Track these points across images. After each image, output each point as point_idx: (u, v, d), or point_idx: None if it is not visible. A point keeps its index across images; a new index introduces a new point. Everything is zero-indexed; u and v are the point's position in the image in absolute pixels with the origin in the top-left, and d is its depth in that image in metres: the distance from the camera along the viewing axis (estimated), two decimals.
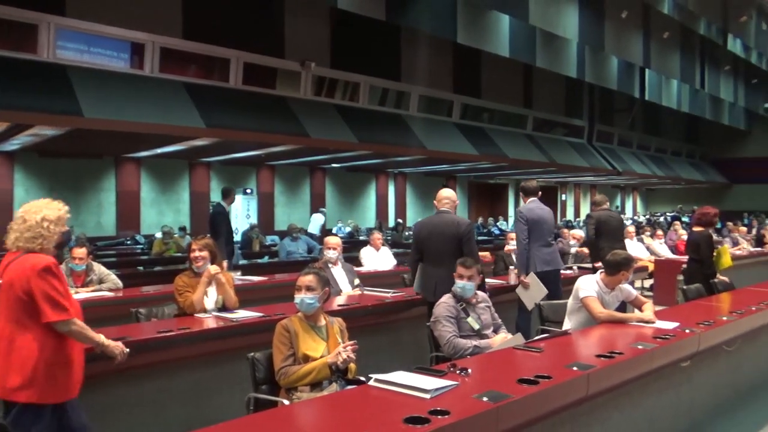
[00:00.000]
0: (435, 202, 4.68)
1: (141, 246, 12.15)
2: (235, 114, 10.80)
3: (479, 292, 3.89)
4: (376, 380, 2.53)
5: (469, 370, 2.66)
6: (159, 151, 12.97)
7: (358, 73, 13.01)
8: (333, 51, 13.22)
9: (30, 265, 2.53)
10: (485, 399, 2.30)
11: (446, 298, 3.76)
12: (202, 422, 2.51)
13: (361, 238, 14.22)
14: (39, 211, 2.65)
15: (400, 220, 18.43)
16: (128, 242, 12.91)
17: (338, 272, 5.30)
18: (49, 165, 12.97)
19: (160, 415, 3.42)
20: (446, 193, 4.68)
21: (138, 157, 14.14)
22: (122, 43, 10.11)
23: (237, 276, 4.53)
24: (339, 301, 4.71)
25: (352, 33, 12.92)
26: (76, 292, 4.82)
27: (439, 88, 15.18)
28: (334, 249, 5.32)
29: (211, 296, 4.06)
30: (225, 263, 4.52)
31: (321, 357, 2.96)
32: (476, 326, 3.67)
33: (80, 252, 5.00)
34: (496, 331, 3.78)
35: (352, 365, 3.01)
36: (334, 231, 15.68)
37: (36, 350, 2.49)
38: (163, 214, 14.63)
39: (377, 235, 7.68)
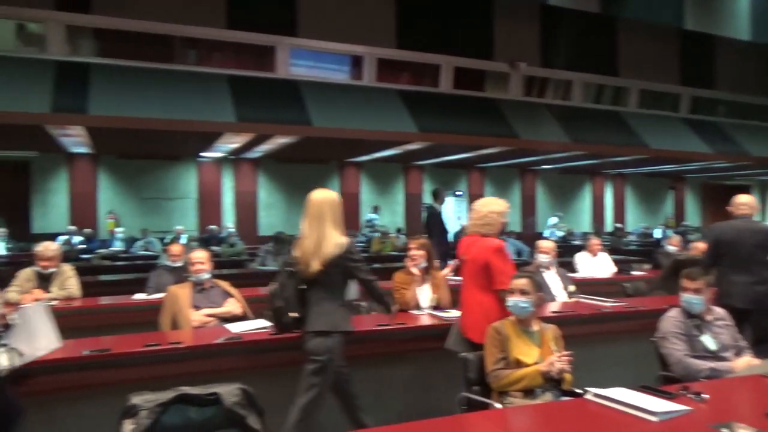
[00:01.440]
0: (730, 207, 4.60)
1: (360, 244, 13.06)
2: (445, 118, 11.08)
3: (716, 309, 3.45)
4: (595, 395, 2.39)
5: (705, 396, 2.38)
6: (377, 155, 13.84)
7: (570, 70, 12.47)
8: (543, 49, 12.84)
9: (486, 246, 3.38)
10: (725, 431, 2.03)
11: (674, 312, 3.40)
12: (417, 414, 2.61)
13: (575, 242, 13.56)
14: (488, 205, 3.50)
15: (619, 225, 17.20)
16: None
17: (551, 277, 5.12)
18: (285, 169, 14.64)
19: (379, 401, 3.63)
20: (744, 199, 4.60)
21: (358, 162, 15.26)
22: (343, 57, 11.05)
23: (449, 276, 4.63)
24: (552, 307, 4.55)
25: (564, 29, 12.42)
26: None
27: (663, 80, 13.83)
28: (547, 253, 5.16)
29: (426, 294, 4.21)
30: (438, 263, 4.64)
31: (534, 363, 2.89)
32: (712, 347, 3.26)
33: None
34: (738, 355, 3.31)
35: (567, 376, 2.88)
36: (545, 234, 15.23)
37: (495, 306, 3.29)
38: (380, 214, 15.58)
39: (595, 241, 7.24)
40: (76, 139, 10.63)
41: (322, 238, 3.10)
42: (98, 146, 11.71)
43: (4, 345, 2.61)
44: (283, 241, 8.21)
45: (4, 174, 12.70)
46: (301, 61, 10.80)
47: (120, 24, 9.43)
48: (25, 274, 4.80)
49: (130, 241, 11.93)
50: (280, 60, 10.48)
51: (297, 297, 3.11)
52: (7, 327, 2.73)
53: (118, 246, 11.53)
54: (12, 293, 4.60)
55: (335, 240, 3.10)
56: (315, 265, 3.07)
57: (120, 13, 9.31)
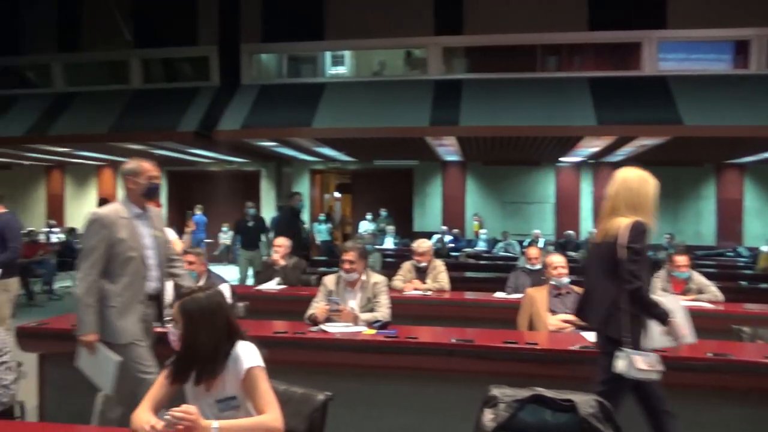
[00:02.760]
0: None
1: (744, 259, 11.23)
2: None
3: None
4: None
5: None
6: (767, 155, 11.72)
7: None
8: None
9: None
10: None
11: None
12: None
13: None
14: None
15: None
16: (729, 254, 12.15)
17: None
18: (651, 173, 13.55)
19: None
20: None
21: (741, 163, 13.15)
22: (724, 45, 9.66)
23: None
24: None
25: None
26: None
27: None
28: None
29: None
30: None
31: None
32: None
33: (682, 260, 4.96)
34: None
35: None
36: None
37: None
38: None
39: None
40: (449, 149, 11.86)
41: None
42: (467, 154, 12.84)
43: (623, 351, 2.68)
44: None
45: (393, 180, 15.04)
46: (671, 55, 9.86)
47: (488, 40, 10.17)
48: (407, 266, 5.57)
49: (492, 242, 12.76)
50: (647, 56, 9.76)
51: None
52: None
53: (481, 246, 12.46)
54: (397, 281, 5.41)
55: None
56: None
57: (488, 30, 10.04)
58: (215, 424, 1.93)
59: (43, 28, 11.60)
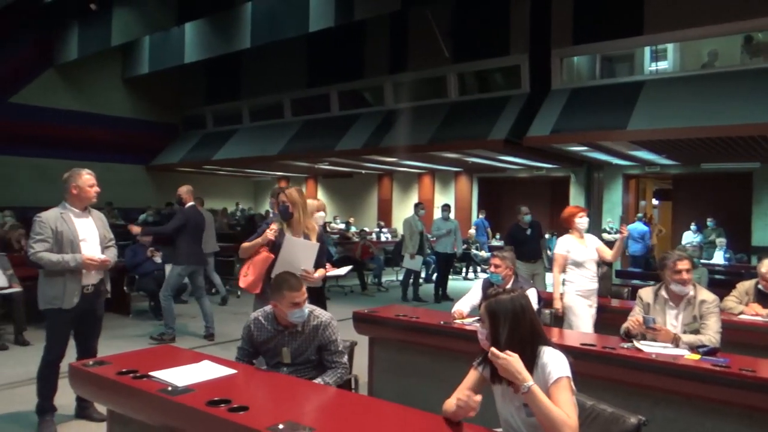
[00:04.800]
0: None
1: None
2: None
3: None
4: None
5: None
6: None
7: None
8: None
9: None
10: None
11: None
12: None
13: None
14: None
15: None
16: None
17: None
18: None
19: None
20: None
21: None
22: None
23: None
24: None
25: None
26: None
27: None
28: None
29: None
30: None
31: None
32: None
33: None
34: None
35: None
36: None
37: None
38: None
39: None
40: None
41: None
42: None
43: None
44: None
45: (725, 185, 13.09)
46: None
47: None
48: (745, 286, 4.78)
49: None
50: None
51: None
52: None
53: None
54: (730, 302, 4.69)
55: None
56: None
57: None
58: (529, 381, 2.02)
59: (378, 54, 13.35)
